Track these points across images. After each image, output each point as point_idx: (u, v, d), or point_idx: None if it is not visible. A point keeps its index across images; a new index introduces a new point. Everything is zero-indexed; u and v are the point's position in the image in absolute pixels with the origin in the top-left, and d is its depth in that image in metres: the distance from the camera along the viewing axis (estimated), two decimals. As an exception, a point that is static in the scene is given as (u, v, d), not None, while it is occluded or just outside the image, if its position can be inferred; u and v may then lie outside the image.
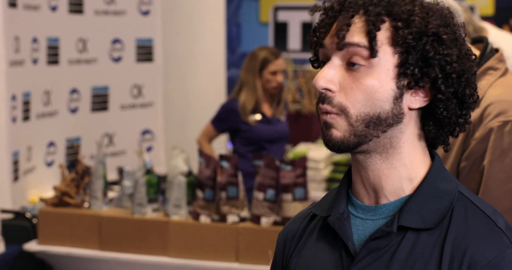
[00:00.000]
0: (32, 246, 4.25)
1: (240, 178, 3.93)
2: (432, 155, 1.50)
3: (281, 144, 5.28)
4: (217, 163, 3.98)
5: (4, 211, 4.44)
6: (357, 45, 1.39)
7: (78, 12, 5.64)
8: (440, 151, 2.38)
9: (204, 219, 3.97)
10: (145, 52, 6.20)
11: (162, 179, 4.33)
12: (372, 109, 1.39)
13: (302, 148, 5.96)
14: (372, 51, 1.38)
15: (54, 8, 5.38)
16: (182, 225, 4.01)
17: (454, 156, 2.35)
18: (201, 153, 4.14)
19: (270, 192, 3.83)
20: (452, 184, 1.47)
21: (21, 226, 4.42)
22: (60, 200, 4.29)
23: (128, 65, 6.09)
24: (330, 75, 1.41)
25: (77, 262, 4.19)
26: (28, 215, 4.49)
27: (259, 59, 5.10)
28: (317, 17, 1.50)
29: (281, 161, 3.89)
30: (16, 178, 4.85)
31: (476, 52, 2.45)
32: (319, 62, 1.48)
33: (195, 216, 3.99)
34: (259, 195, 3.86)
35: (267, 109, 5.18)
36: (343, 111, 1.40)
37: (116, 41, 5.98)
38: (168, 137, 6.50)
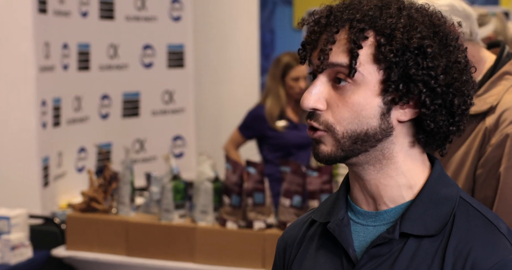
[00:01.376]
0: (60, 251, 4.26)
1: (266, 184, 3.91)
2: (432, 160, 1.48)
3: (308, 150, 5.23)
4: (243, 169, 3.96)
5: (33, 217, 4.46)
6: (340, 65, 1.38)
7: (109, 18, 5.66)
8: (456, 158, 2.35)
9: (230, 225, 3.95)
10: (176, 58, 6.20)
11: (190, 185, 4.32)
12: (359, 126, 1.39)
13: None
14: (350, 71, 1.37)
15: (84, 14, 5.40)
16: (208, 231, 3.99)
17: (470, 163, 2.31)
18: (228, 159, 4.13)
19: (297, 199, 3.81)
20: (453, 189, 1.45)
21: (49, 231, 4.43)
22: (88, 205, 4.30)
23: (159, 71, 6.10)
24: (316, 95, 1.40)
25: (105, 267, 4.19)
26: (56, 220, 4.50)
27: (281, 65, 5.08)
28: None
29: (307, 167, 3.86)
30: (46, 183, 4.87)
31: (492, 56, 2.41)
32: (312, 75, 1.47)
33: (222, 222, 3.97)
34: (286, 202, 3.83)
35: (293, 115, 5.14)
36: (329, 129, 1.40)
37: (147, 47, 5.99)
38: (199, 143, 6.49)
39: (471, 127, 2.35)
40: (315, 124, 1.41)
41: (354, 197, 1.48)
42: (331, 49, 1.38)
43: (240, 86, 7.11)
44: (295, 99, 5.11)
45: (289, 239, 1.59)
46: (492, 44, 2.51)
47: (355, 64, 1.36)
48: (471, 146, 2.32)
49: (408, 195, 1.44)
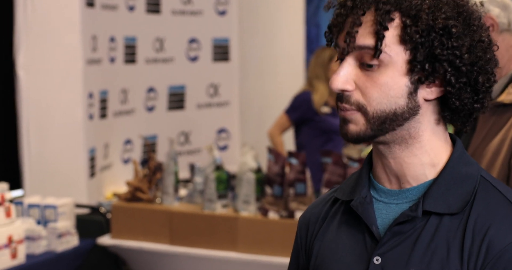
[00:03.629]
0: (105, 240, 4.34)
1: (308, 174, 3.94)
2: (453, 139, 1.51)
3: None
4: (285, 160, 3.99)
5: (79, 206, 4.54)
6: (367, 47, 1.40)
7: (155, 11, 5.73)
8: (491, 146, 2.36)
9: (272, 215, 3.99)
10: (221, 52, 6.26)
11: (233, 177, 4.37)
12: (388, 106, 1.41)
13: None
14: (376, 52, 1.39)
15: (131, 8, 5.48)
16: (250, 221, 4.04)
17: (506, 151, 2.32)
18: (270, 150, 4.17)
19: (338, 189, 3.83)
20: (474, 168, 1.48)
21: (95, 220, 4.51)
22: (133, 195, 4.37)
23: (205, 65, 6.16)
24: (345, 76, 1.43)
25: (149, 256, 4.26)
26: (102, 210, 4.59)
27: (326, 54, 5.39)
28: None
29: (348, 158, 3.88)
30: (92, 174, 4.96)
31: None
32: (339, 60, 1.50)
33: (264, 212, 4.01)
34: (325, 193, 3.86)
35: (333, 101, 5.32)
36: (361, 109, 1.43)
37: (192, 40, 6.05)
38: (244, 136, 6.54)
39: (507, 116, 2.36)
40: (347, 106, 1.43)
41: (377, 176, 1.51)
42: (357, 32, 1.41)
43: (285, 80, 7.14)
44: None
45: (312, 217, 1.62)
46: None
47: (381, 45, 1.39)
48: (507, 135, 2.34)
49: (430, 174, 1.46)
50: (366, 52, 1.41)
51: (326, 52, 5.42)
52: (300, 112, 5.41)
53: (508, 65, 2.45)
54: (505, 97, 2.36)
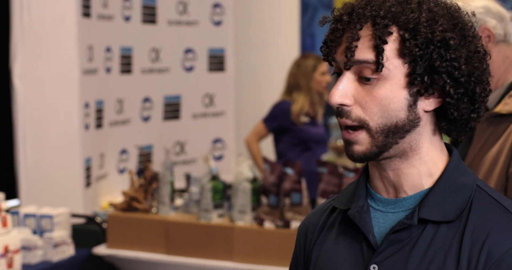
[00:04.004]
0: (101, 249, 4.34)
1: (304, 184, 3.96)
2: (449, 149, 1.53)
3: (323, 145, 5.50)
4: (281, 170, 4.01)
5: (75, 216, 4.55)
6: (366, 62, 1.42)
7: (151, 22, 5.75)
8: (489, 156, 2.37)
9: (268, 225, 4.00)
10: (217, 62, 6.28)
11: (229, 187, 4.38)
12: (389, 119, 1.43)
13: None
14: (378, 66, 1.41)
15: (127, 18, 5.50)
16: (246, 230, 4.05)
17: (503, 161, 2.34)
18: (266, 160, 4.18)
19: (333, 199, 3.84)
20: (470, 177, 1.49)
21: (91, 230, 4.52)
22: (129, 205, 4.38)
23: (200, 75, 6.18)
24: (343, 91, 1.44)
25: (144, 265, 4.27)
26: (98, 219, 4.59)
27: (309, 64, 5.39)
28: None
29: (344, 167, 3.90)
30: (88, 184, 4.96)
31: None
32: (335, 74, 1.50)
33: (260, 221, 4.02)
34: (323, 202, 3.87)
35: (312, 111, 5.39)
36: (363, 125, 1.44)
37: (188, 50, 6.07)
38: (239, 146, 6.55)
39: (504, 126, 2.38)
40: (348, 122, 1.44)
41: (374, 185, 1.53)
42: (356, 46, 1.42)
43: (280, 90, 7.14)
44: (319, 93, 5.43)
45: (310, 226, 1.64)
46: None
47: (382, 59, 1.40)
48: (504, 145, 2.36)
49: (427, 183, 1.48)
50: (365, 66, 1.42)
51: (308, 61, 5.41)
52: (278, 122, 5.42)
53: (504, 76, 2.47)
54: (502, 108, 2.38)
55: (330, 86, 5.39)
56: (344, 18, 1.45)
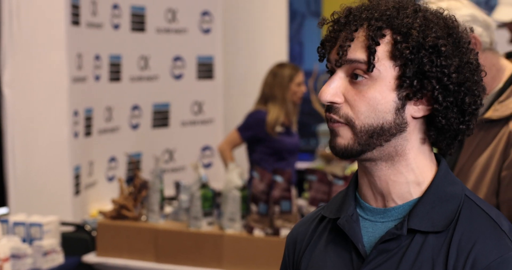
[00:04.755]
0: (90, 257, 4.34)
1: (293, 192, 3.97)
2: (438, 159, 1.54)
3: (296, 155, 5.51)
4: (271, 178, 4.02)
5: (64, 224, 4.55)
6: (357, 61, 1.44)
7: (140, 30, 5.76)
8: (480, 161, 2.41)
9: (258, 232, 4.01)
10: (206, 70, 6.29)
11: (218, 194, 4.39)
12: (375, 120, 1.44)
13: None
14: (369, 66, 1.43)
15: (116, 26, 5.50)
16: (236, 238, 4.06)
17: (495, 166, 2.37)
18: (256, 168, 4.20)
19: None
20: (458, 187, 1.51)
21: (80, 238, 4.52)
22: (118, 213, 4.38)
23: (189, 82, 6.19)
24: (334, 89, 1.46)
25: (134, 274, 4.27)
26: (87, 227, 4.59)
27: (286, 74, 5.37)
28: None
29: (333, 176, 3.91)
30: (77, 192, 4.96)
31: (511, 66, 2.49)
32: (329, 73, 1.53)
33: (249, 229, 4.03)
34: (312, 209, 3.88)
35: (285, 119, 5.41)
36: (349, 122, 1.46)
37: (177, 58, 6.08)
38: (228, 154, 6.56)
39: (494, 131, 2.41)
40: (335, 117, 1.46)
41: (362, 194, 1.54)
42: (349, 46, 1.45)
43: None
44: (294, 104, 5.43)
45: (299, 235, 1.65)
46: (510, 54, 2.58)
47: (373, 59, 1.43)
48: (495, 150, 2.38)
49: (415, 192, 1.50)
50: (357, 66, 1.44)
51: (285, 71, 5.39)
52: (252, 132, 5.41)
53: (491, 83, 2.50)
54: (492, 113, 2.41)
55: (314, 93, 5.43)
56: (341, 20, 1.49)
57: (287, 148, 5.41)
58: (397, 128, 1.45)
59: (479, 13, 2.46)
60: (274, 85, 5.38)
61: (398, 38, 1.43)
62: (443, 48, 1.42)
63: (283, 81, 5.36)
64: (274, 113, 5.33)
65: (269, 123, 5.32)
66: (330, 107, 1.47)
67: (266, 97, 5.42)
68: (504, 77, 2.48)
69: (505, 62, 2.51)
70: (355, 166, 5.94)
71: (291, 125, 5.46)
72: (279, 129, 5.36)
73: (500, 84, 2.47)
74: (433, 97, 1.44)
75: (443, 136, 1.49)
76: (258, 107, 5.46)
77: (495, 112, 2.41)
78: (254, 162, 5.44)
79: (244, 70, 7.07)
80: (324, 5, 8.62)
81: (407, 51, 1.42)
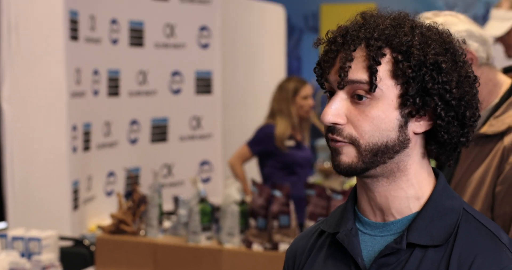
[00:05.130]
0: (89, 272, 4.34)
1: (292, 207, 3.97)
2: (436, 173, 1.55)
3: (309, 169, 5.50)
4: (269, 192, 4.02)
5: (63, 238, 4.54)
6: (359, 82, 1.44)
7: (138, 45, 5.78)
8: (475, 176, 2.42)
9: (256, 247, 4.01)
10: (204, 84, 6.30)
11: (217, 209, 4.39)
12: (379, 139, 1.45)
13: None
14: (371, 86, 1.43)
15: (115, 41, 5.52)
16: (235, 253, 4.05)
17: (490, 181, 2.38)
18: (254, 182, 4.20)
19: (322, 221, 3.85)
20: (457, 201, 1.52)
21: (79, 253, 4.51)
22: (117, 227, 4.38)
23: (188, 97, 6.20)
24: (336, 110, 1.47)
25: (133, 289, 4.26)
26: (86, 242, 4.59)
27: (291, 87, 5.42)
28: None
29: (332, 190, 3.92)
30: (76, 206, 4.96)
31: (508, 80, 2.51)
32: (328, 92, 1.53)
33: (248, 244, 4.03)
34: (311, 224, 3.88)
35: (298, 135, 5.42)
36: (353, 142, 1.46)
37: (175, 73, 6.09)
38: (226, 169, 6.56)
39: (490, 146, 2.42)
40: (339, 138, 1.46)
41: (361, 209, 1.55)
42: (350, 67, 1.45)
43: (267, 112, 7.19)
44: (302, 118, 5.45)
45: (298, 249, 1.65)
46: (508, 69, 2.60)
47: (375, 80, 1.43)
48: (490, 165, 2.40)
49: (414, 207, 1.50)
50: (358, 86, 1.45)
51: (290, 84, 5.44)
52: (263, 146, 5.45)
53: (488, 98, 2.51)
54: (488, 129, 2.43)
55: (318, 108, 5.43)
56: (338, 39, 1.48)
57: (298, 162, 5.40)
58: (401, 145, 1.46)
59: (476, 28, 2.47)
60: (281, 99, 5.42)
61: (399, 57, 1.43)
62: (443, 65, 1.43)
63: (287, 94, 5.40)
64: (281, 127, 5.36)
65: (278, 137, 5.35)
66: (333, 128, 1.47)
67: (274, 111, 5.47)
68: (501, 92, 2.50)
69: (502, 77, 2.52)
70: (353, 181, 5.94)
71: (303, 139, 5.46)
72: (289, 143, 5.37)
73: (497, 99, 2.49)
74: (435, 114, 1.45)
75: (443, 150, 1.50)
76: (267, 121, 5.51)
77: (491, 127, 2.43)
78: (265, 177, 5.46)
79: (243, 85, 7.08)
80: (322, 21, 8.65)
81: (410, 70, 1.43)
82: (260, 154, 5.48)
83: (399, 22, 1.47)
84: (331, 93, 1.50)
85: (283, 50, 7.47)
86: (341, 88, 1.46)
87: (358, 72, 1.45)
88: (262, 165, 5.53)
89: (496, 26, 4.18)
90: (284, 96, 5.41)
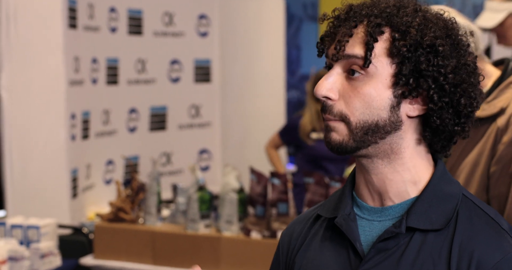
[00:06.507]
0: (88, 260, 4.34)
1: (290, 194, 3.97)
2: (435, 160, 1.55)
3: (341, 164, 5.42)
4: (267, 180, 4.02)
5: (62, 226, 4.55)
6: (355, 56, 1.45)
7: (137, 33, 5.77)
8: (470, 159, 2.46)
9: (255, 235, 4.01)
10: (203, 73, 6.30)
11: (215, 197, 4.40)
12: (370, 117, 1.45)
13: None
14: (365, 62, 1.44)
15: (113, 30, 5.51)
16: (233, 240, 4.06)
17: (484, 162, 2.42)
18: (253, 170, 4.20)
19: (320, 209, 3.86)
20: (456, 187, 1.52)
21: (78, 241, 4.52)
22: (116, 215, 4.38)
23: (186, 86, 6.20)
24: (330, 84, 1.47)
25: (131, 276, 4.27)
26: (85, 230, 4.60)
27: (315, 81, 5.35)
28: None
29: (330, 178, 3.92)
30: (74, 195, 4.97)
31: (497, 71, 2.57)
32: (327, 68, 1.54)
33: (246, 232, 4.04)
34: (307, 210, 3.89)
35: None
36: (344, 119, 1.46)
37: (174, 62, 6.09)
38: (225, 157, 6.57)
39: (483, 129, 2.47)
40: (330, 117, 1.47)
41: (359, 193, 1.55)
42: (347, 41, 1.46)
43: (266, 101, 7.19)
44: None
45: (294, 233, 1.65)
46: (498, 62, 2.65)
47: (370, 55, 1.44)
48: (484, 147, 2.44)
49: (413, 191, 1.50)
50: (354, 61, 1.45)
51: (315, 78, 5.40)
52: (290, 137, 5.48)
53: None
54: (480, 113, 2.46)
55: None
56: (341, 16, 1.50)
57: (324, 156, 5.35)
58: (392, 126, 1.46)
59: (463, 21, 2.50)
60: (309, 91, 5.42)
61: (396, 35, 1.44)
62: (440, 48, 1.43)
63: (310, 87, 5.41)
64: (306, 119, 5.37)
65: (302, 129, 5.36)
66: (324, 106, 1.48)
67: (306, 103, 5.50)
68: (490, 82, 2.55)
69: (491, 69, 2.58)
70: (353, 167, 5.94)
71: None
72: (315, 136, 5.35)
73: (486, 88, 2.54)
74: (428, 97, 1.45)
75: (438, 137, 1.49)
76: (300, 112, 5.54)
77: (483, 111, 2.47)
78: (298, 167, 5.48)
79: (242, 73, 7.08)
80: (321, 9, 8.64)
81: (405, 49, 1.43)
82: (289, 144, 5.53)
83: (404, 3, 1.49)
84: (330, 68, 1.51)
85: (282, 39, 7.45)
86: (336, 61, 1.47)
87: (354, 47, 1.45)
88: (295, 157, 5.57)
89: (490, 17, 4.25)
90: (309, 90, 5.42)
